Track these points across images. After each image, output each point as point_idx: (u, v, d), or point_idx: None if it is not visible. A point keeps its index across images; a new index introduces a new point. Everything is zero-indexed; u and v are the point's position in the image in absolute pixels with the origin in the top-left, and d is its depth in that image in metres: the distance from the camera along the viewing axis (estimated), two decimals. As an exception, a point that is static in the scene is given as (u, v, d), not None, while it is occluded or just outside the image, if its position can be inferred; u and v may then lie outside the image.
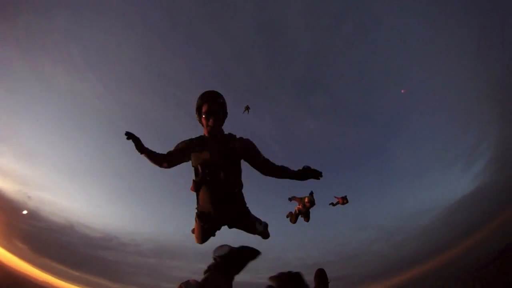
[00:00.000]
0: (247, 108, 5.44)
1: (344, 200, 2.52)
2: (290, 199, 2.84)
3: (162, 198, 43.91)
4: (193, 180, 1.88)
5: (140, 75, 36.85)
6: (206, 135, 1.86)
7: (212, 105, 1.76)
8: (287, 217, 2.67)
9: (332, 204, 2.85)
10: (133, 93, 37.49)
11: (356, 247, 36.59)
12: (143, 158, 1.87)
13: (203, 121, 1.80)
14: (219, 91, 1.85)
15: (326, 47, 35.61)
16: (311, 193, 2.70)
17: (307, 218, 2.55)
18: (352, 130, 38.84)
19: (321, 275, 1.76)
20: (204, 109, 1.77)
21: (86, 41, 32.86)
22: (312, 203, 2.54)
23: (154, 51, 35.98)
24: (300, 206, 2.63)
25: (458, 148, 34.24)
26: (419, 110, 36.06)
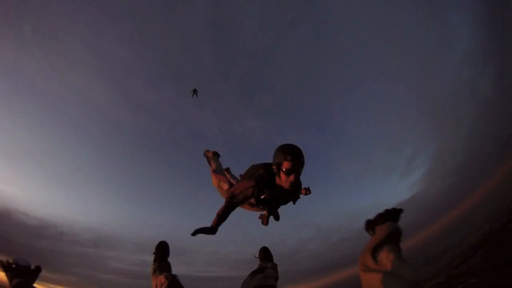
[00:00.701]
0: (195, 91, 5.39)
1: (307, 191, 2.58)
2: None
3: (101, 188, 42.55)
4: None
5: (87, 57, 35.49)
6: (280, 184, 1.88)
7: (296, 165, 1.76)
8: (260, 218, 2.78)
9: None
10: (78, 75, 36.08)
11: (292, 245, 37.67)
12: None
13: (282, 175, 1.80)
14: (299, 146, 1.83)
15: (275, 50, 35.98)
16: None
17: (277, 218, 2.74)
18: (293, 132, 39.50)
19: (265, 251, 1.85)
20: (286, 165, 1.75)
21: (39, 18, 31.25)
22: None
23: (103, 35, 34.77)
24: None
25: (396, 159, 35.93)
26: (361, 119, 37.28)
